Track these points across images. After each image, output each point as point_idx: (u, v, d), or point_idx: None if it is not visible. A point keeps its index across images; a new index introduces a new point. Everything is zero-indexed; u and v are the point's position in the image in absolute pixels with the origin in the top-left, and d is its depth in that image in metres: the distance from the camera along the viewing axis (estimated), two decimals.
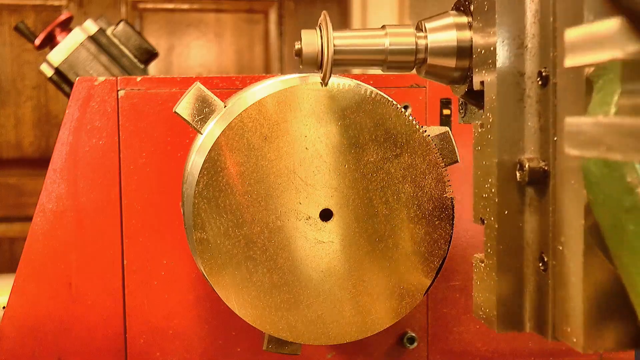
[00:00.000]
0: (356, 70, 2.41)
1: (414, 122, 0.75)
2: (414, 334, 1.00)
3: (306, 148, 0.74)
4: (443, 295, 1.01)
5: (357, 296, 0.77)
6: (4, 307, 0.96)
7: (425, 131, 0.76)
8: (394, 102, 0.75)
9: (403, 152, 0.75)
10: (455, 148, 0.78)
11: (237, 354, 0.99)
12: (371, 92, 0.75)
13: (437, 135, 0.77)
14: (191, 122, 0.76)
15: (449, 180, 0.76)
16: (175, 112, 0.76)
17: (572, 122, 0.41)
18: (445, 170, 0.76)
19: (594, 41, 0.41)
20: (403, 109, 0.76)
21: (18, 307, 0.95)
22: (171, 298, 0.97)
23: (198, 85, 0.77)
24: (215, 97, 0.77)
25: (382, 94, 0.75)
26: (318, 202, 0.75)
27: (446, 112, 0.99)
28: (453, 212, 0.77)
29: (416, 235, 0.76)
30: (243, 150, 0.74)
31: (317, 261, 0.76)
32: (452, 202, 0.77)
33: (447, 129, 0.78)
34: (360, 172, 0.75)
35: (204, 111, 0.76)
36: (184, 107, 0.77)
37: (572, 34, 0.43)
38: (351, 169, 0.75)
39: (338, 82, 0.74)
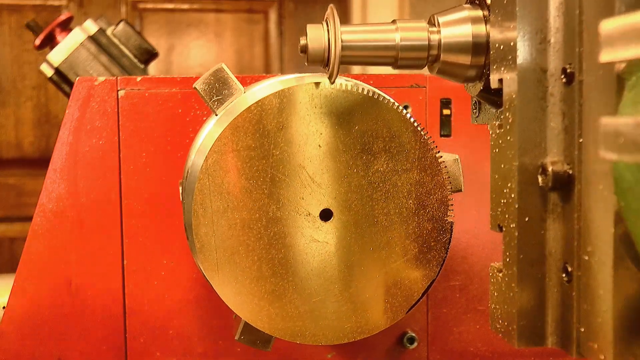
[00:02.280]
0: (356, 70, 2.41)
1: (429, 140, 0.76)
2: (414, 334, 1.00)
3: (319, 145, 0.75)
4: (443, 295, 1.01)
5: (341, 301, 0.77)
6: (4, 307, 0.96)
7: (439, 152, 0.76)
8: (415, 121, 0.76)
9: (413, 168, 0.76)
10: (462, 177, 0.78)
11: (237, 354, 0.99)
12: (392, 103, 0.75)
13: (447, 160, 0.77)
14: (208, 101, 0.76)
15: (452, 205, 0.76)
16: (194, 87, 0.76)
17: (609, 122, 0.38)
18: (451, 194, 0.76)
19: (635, 34, 0.37)
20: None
21: (18, 307, 0.95)
22: (171, 298, 0.97)
23: (222, 65, 0.77)
24: (236, 81, 0.77)
25: (400, 106, 0.76)
26: (320, 200, 0.75)
27: (446, 112, 0.99)
28: (450, 237, 0.77)
29: (410, 253, 0.77)
30: (257, 135, 0.74)
31: (309, 259, 0.76)
32: (451, 226, 0.77)
33: (457, 156, 0.78)
34: (368, 180, 0.75)
35: (222, 92, 0.76)
36: (203, 85, 0.76)
37: (609, 26, 0.39)
38: (359, 174, 0.75)
39: (364, 87, 0.75)
